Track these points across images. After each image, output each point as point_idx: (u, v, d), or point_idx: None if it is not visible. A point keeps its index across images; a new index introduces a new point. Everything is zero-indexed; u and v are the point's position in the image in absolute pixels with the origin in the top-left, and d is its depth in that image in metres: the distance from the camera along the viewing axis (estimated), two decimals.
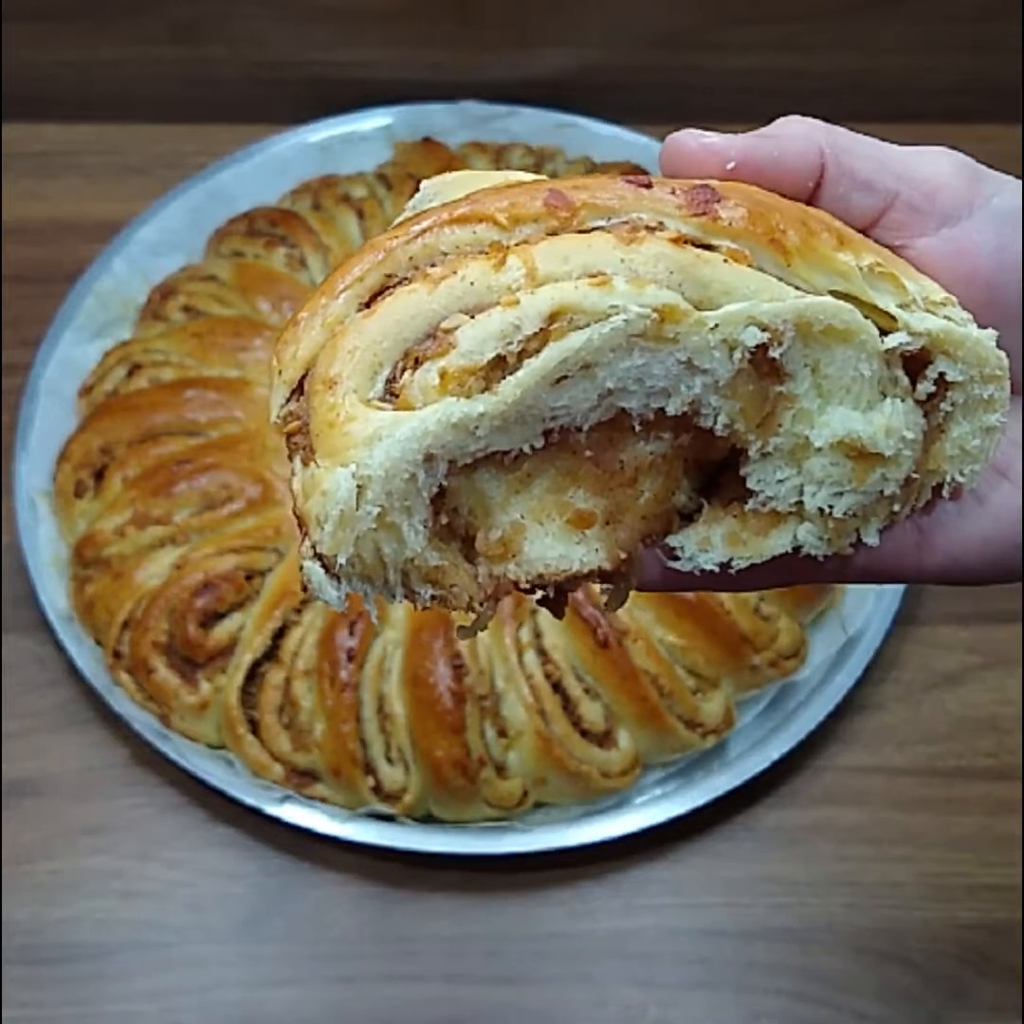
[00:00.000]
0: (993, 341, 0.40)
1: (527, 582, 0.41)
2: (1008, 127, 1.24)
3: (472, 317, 0.37)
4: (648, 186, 0.39)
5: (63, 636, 0.95)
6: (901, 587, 0.98)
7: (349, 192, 1.17)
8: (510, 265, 0.37)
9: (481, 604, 0.40)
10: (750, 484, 0.41)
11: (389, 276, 0.39)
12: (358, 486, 0.36)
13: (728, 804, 0.92)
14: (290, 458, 0.39)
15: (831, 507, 0.41)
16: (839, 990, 0.88)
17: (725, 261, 0.38)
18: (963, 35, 1.23)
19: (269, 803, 0.89)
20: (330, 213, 1.15)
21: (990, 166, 0.44)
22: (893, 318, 0.39)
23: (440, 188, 0.42)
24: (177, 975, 0.88)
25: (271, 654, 0.91)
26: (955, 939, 0.90)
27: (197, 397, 1.01)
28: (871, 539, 0.42)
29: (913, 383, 0.40)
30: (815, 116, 0.43)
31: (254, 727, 0.90)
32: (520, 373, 0.37)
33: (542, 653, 0.89)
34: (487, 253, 0.38)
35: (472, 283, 0.37)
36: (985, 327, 0.41)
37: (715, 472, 0.43)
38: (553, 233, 0.38)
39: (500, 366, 0.37)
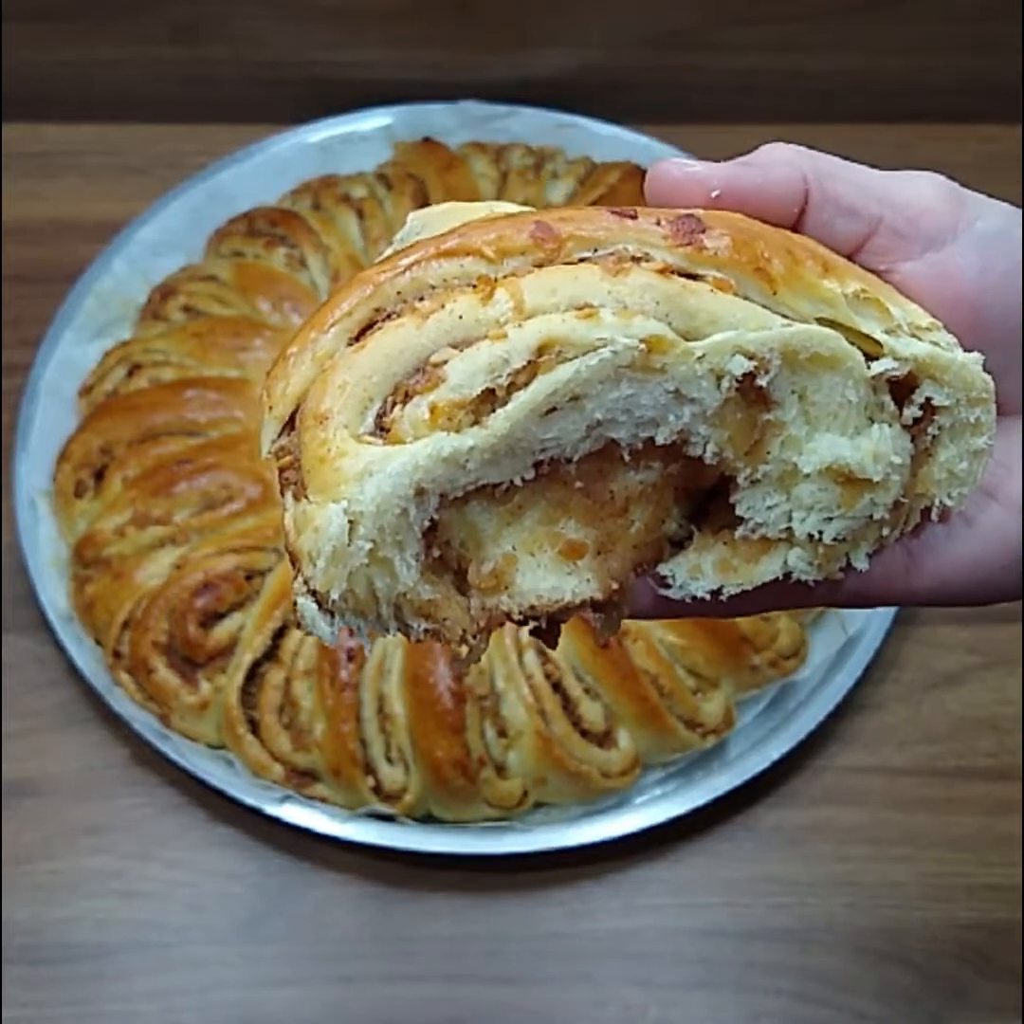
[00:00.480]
0: (979, 365, 0.40)
1: (520, 614, 0.41)
2: (1008, 127, 1.24)
3: (461, 351, 0.37)
4: (633, 216, 0.39)
5: (63, 636, 0.95)
6: None
7: (349, 192, 1.17)
8: (498, 298, 0.37)
9: (474, 637, 0.40)
10: (740, 511, 0.41)
11: (378, 310, 0.39)
12: (350, 522, 0.36)
13: (728, 804, 0.92)
14: (282, 493, 0.39)
15: (820, 533, 0.41)
16: (839, 990, 0.88)
17: (711, 291, 0.38)
18: (963, 35, 1.23)
19: (269, 803, 0.89)
20: (330, 213, 1.15)
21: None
22: (879, 344, 0.40)
23: (427, 220, 0.42)
24: (177, 975, 0.88)
25: (271, 654, 0.91)
26: (955, 939, 0.90)
27: (197, 397, 1.01)
28: (861, 564, 0.42)
29: (900, 408, 0.41)
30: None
31: (254, 727, 0.90)
32: (509, 406, 0.37)
33: (542, 653, 0.89)
34: (475, 286, 0.38)
35: (460, 317, 0.37)
36: (970, 350, 0.41)
37: (705, 499, 0.43)
38: (540, 265, 0.38)
39: (489, 399, 0.37)
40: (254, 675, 0.90)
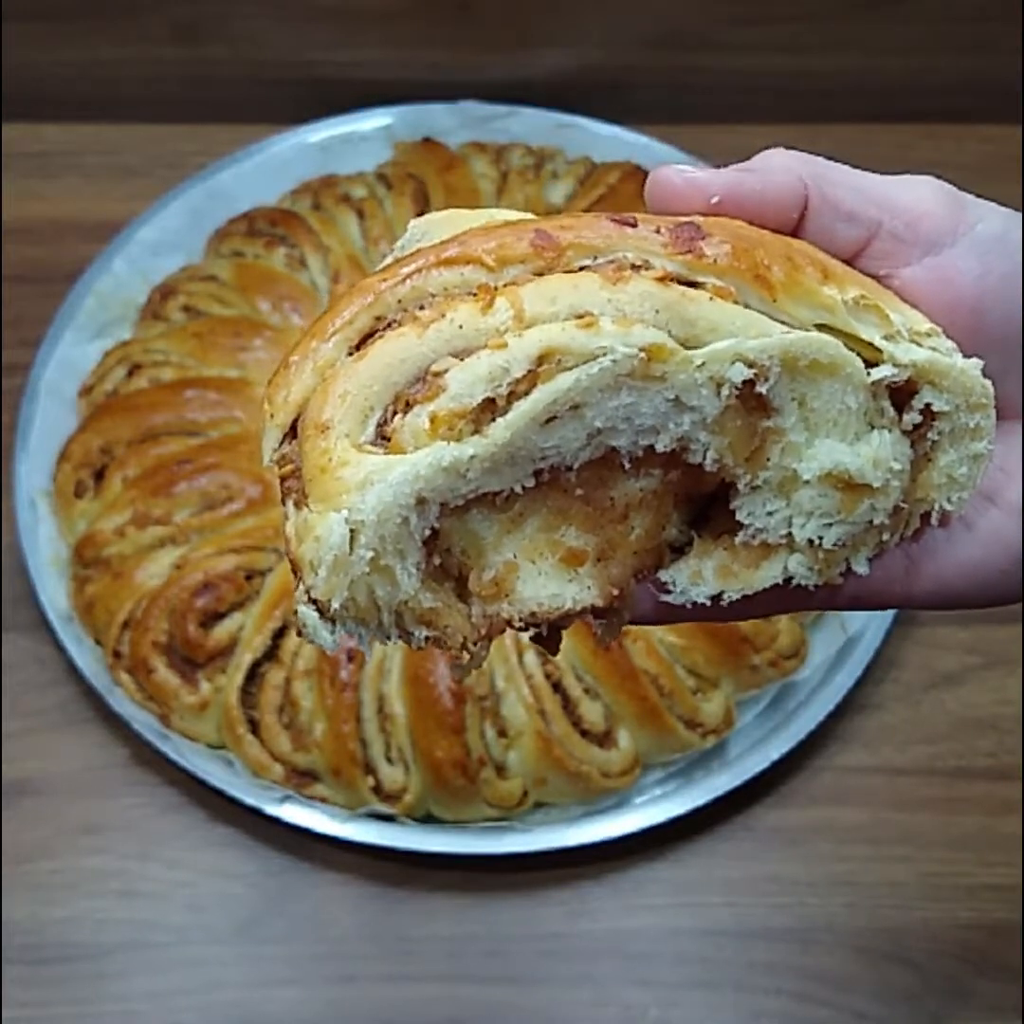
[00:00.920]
0: (978, 370, 0.40)
1: (521, 621, 0.41)
2: (1008, 127, 1.24)
3: (461, 360, 0.37)
4: (633, 224, 0.39)
5: (63, 636, 0.95)
6: None
7: (349, 192, 1.17)
8: (498, 307, 0.37)
9: (475, 644, 0.40)
10: (740, 517, 0.41)
11: (379, 319, 0.39)
12: (351, 531, 0.36)
13: (728, 804, 0.92)
14: (283, 502, 0.39)
15: (821, 538, 0.41)
16: (839, 990, 0.88)
17: (711, 298, 0.38)
18: (963, 35, 1.23)
19: (269, 803, 0.89)
20: (330, 213, 1.15)
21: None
22: (879, 350, 0.40)
23: (428, 227, 0.42)
24: (177, 975, 0.88)
25: (271, 654, 0.91)
26: (955, 939, 0.90)
27: (197, 397, 1.01)
28: (861, 568, 0.42)
29: (900, 413, 0.41)
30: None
31: (254, 727, 0.90)
32: (510, 415, 0.37)
33: (542, 653, 0.89)
34: (475, 295, 0.38)
35: (461, 326, 0.37)
36: (970, 355, 0.41)
37: (705, 505, 0.43)
38: (540, 273, 0.38)
39: (490, 408, 0.37)
40: (254, 675, 0.90)
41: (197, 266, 1.13)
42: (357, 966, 0.89)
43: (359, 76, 1.26)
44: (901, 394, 0.40)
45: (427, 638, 0.40)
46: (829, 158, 0.43)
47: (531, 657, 0.89)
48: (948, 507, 0.42)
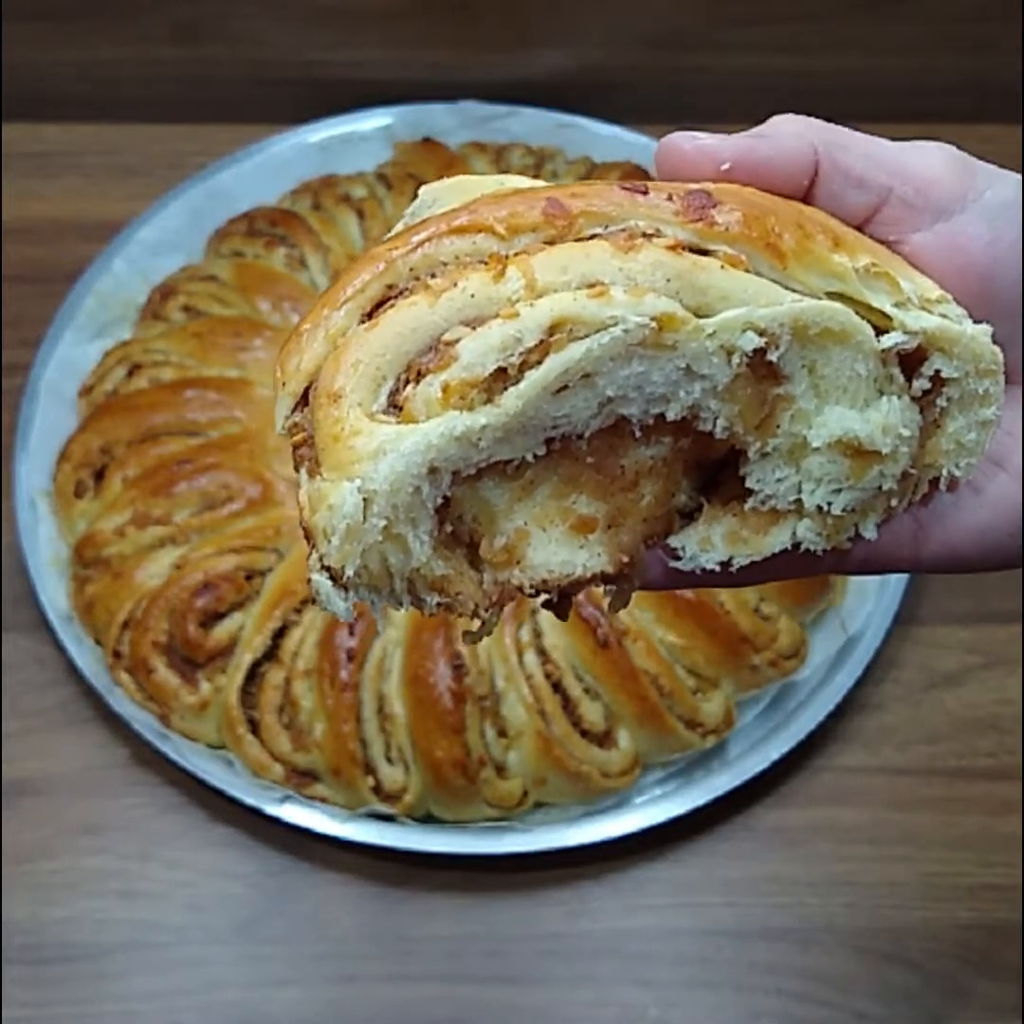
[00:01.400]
0: (988, 337, 0.41)
1: (531, 587, 0.41)
2: (1008, 127, 1.24)
3: (473, 329, 0.37)
4: (644, 192, 0.39)
5: (63, 636, 0.95)
6: (901, 587, 0.98)
7: (349, 192, 1.17)
8: (509, 276, 0.37)
9: (486, 610, 0.41)
10: (749, 484, 0.41)
11: (390, 287, 0.39)
12: (364, 499, 0.36)
13: (728, 804, 0.92)
14: (296, 469, 0.39)
15: (829, 504, 0.41)
16: (839, 990, 0.88)
17: (722, 267, 0.38)
18: (963, 35, 1.23)
19: (269, 803, 0.89)
20: (330, 213, 1.15)
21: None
22: (889, 317, 0.40)
23: (438, 194, 0.42)
24: (177, 975, 0.88)
25: (271, 654, 0.91)
26: (955, 939, 0.90)
27: (197, 397, 1.01)
28: (869, 533, 0.43)
29: (909, 380, 0.41)
30: (816, 116, 0.43)
31: (254, 727, 0.90)
32: (521, 385, 0.37)
33: (542, 653, 0.89)
34: (486, 264, 0.38)
35: (472, 295, 0.37)
36: (980, 321, 0.41)
37: (714, 471, 0.43)
38: (551, 242, 0.38)
39: (501, 378, 0.37)
40: (254, 675, 0.90)
41: (197, 266, 1.13)
42: (357, 966, 0.89)
43: (359, 76, 1.26)
44: (910, 361, 0.41)
45: (439, 604, 0.40)
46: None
47: (531, 657, 0.89)
48: (956, 472, 0.42)
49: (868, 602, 0.97)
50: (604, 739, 0.90)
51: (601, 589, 0.43)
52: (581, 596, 0.89)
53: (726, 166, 0.41)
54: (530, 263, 0.37)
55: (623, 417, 0.40)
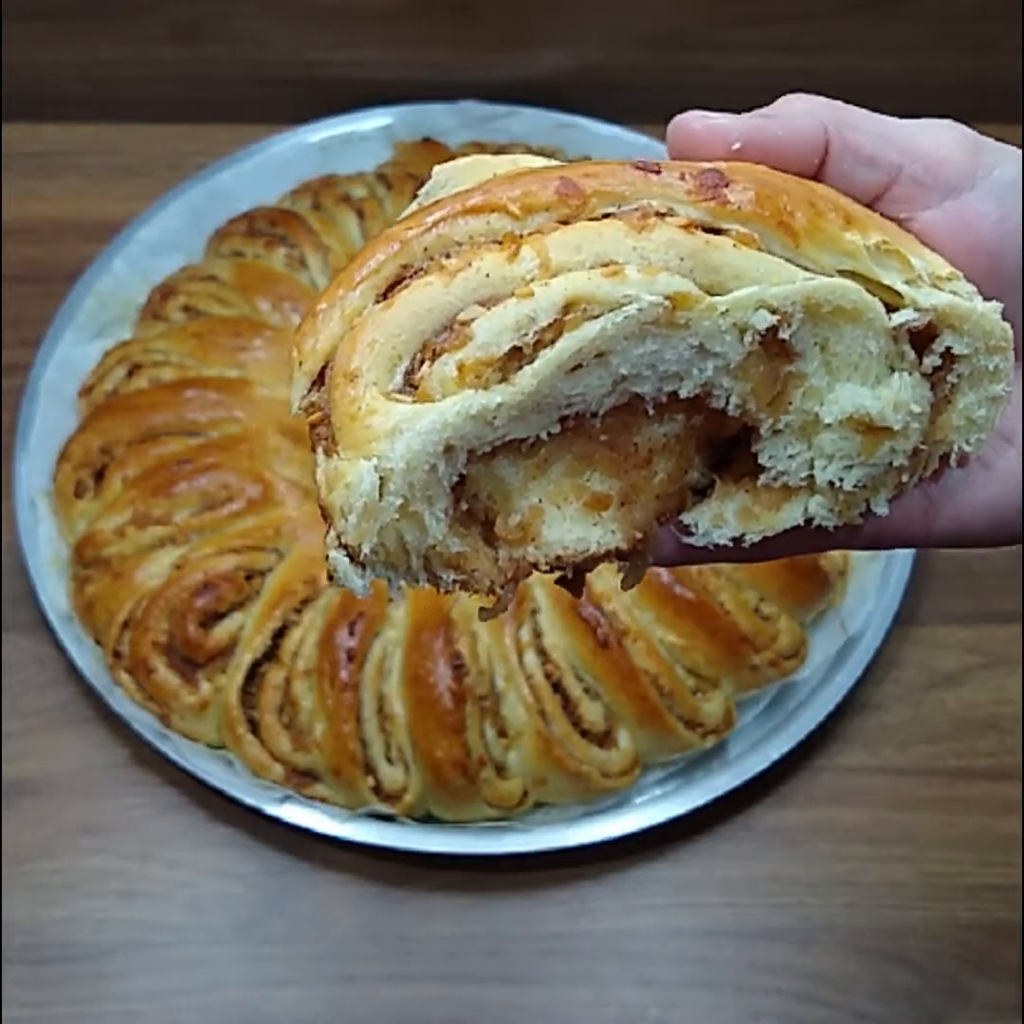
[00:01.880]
0: (998, 313, 0.41)
1: (546, 564, 0.42)
2: (1008, 127, 1.23)
3: (488, 309, 0.37)
4: (657, 171, 0.39)
5: (63, 636, 0.95)
6: (901, 587, 0.98)
7: (349, 192, 1.17)
8: (524, 256, 0.38)
9: (502, 587, 0.41)
10: (762, 460, 0.42)
11: (405, 267, 0.39)
12: (381, 478, 0.37)
13: (728, 804, 0.92)
14: (313, 449, 0.40)
15: (841, 480, 0.42)
16: (839, 990, 0.88)
17: (734, 246, 0.38)
18: (963, 35, 1.23)
19: (269, 803, 0.89)
20: (330, 213, 1.15)
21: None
22: (900, 294, 0.40)
23: (452, 174, 0.43)
24: (177, 975, 0.88)
25: (271, 654, 0.91)
26: (955, 939, 0.90)
27: (197, 397, 1.01)
28: (880, 509, 0.43)
29: (919, 357, 0.41)
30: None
31: (254, 727, 0.90)
32: (536, 364, 0.37)
33: (542, 653, 0.89)
34: (501, 243, 0.38)
35: (487, 275, 0.38)
36: (989, 298, 0.41)
37: (726, 448, 0.44)
38: (565, 222, 0.39)
39: (516, 357, 0.37)
40: (254, 675, 0.90)
41: (197, 266, 1.13)
42: (357, 966, 0.89)
43: (359, 76, 1.26)
44: (921, 337, 0.41)
45: (455, 581, 0.40)
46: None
47: (531, 657, 0.89)
48: (967, 448, 0.43)
49: (868, 602, 0.97)
50: (604, 739, 0.90)
51: (615, 566, 0.43)
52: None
53: (737, 145, 0.41)
54: (544, 243, 0.38)
55: (637, 395, 0.40)
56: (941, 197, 0.42)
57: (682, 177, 0.39)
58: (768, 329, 0.39)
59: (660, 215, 0.39)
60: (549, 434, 0.40)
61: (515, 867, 0.90)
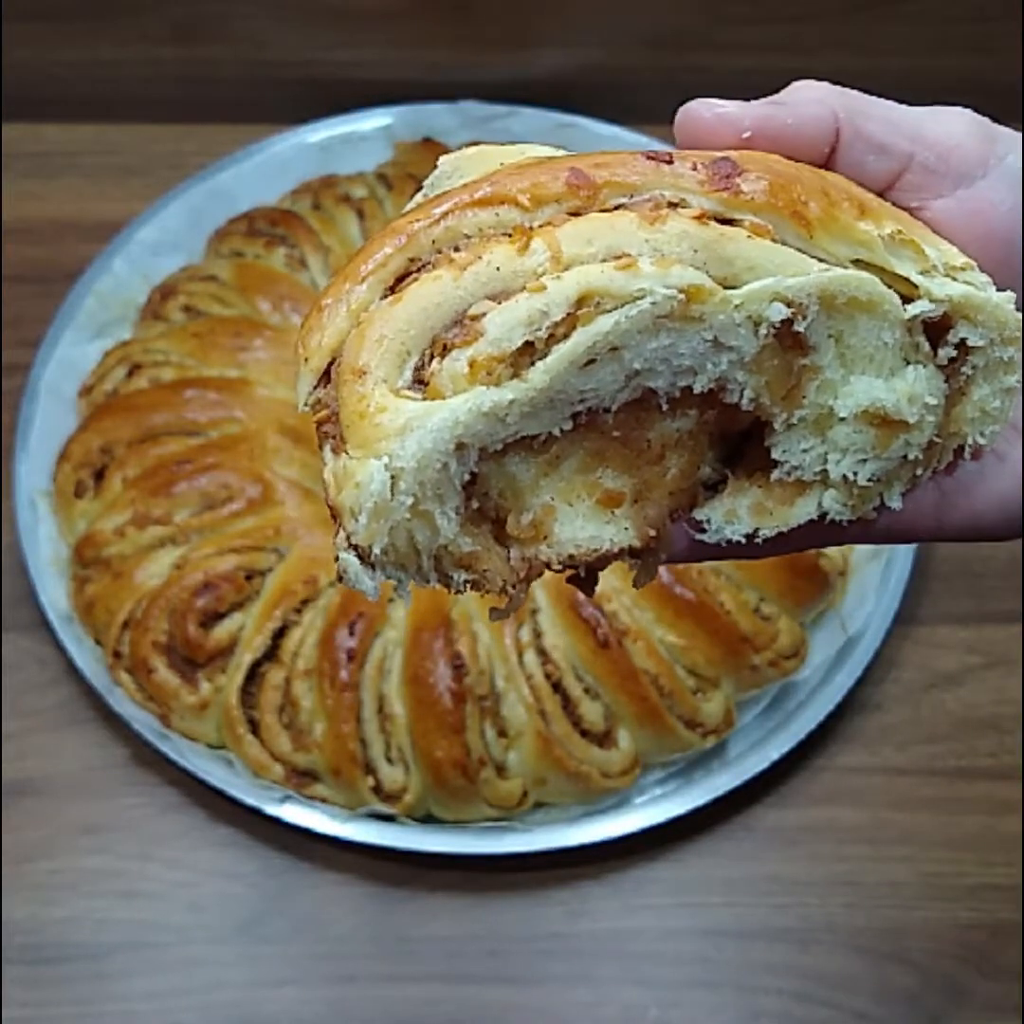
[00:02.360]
0: (1012, 303, 0.40)
1: (558, 563, 0.41)
2: (1008, 127, 1.24)
3: (499, 303, 0.37)
4: (669, 161, 0.39)
5: (63, 636, 0.95)
6: (901, 587, 0.98)
7: (349, 192, 1.17)
8: (534, 249, 0.37)
9: (514, 586, 0.40)
10: (775, 455, 0.41)
11: (412, 260, 0.39)
12: (391, 477, 0.36)
13: (728, 804, 0.92)
14: (320, 447, 0.39)
15: (855, 474, 0.41)
16: (839, 990, 0.88)
17: (748, 236, 0.38)
18: (963, 35, 1.22)
19: (269, 803, 0.89)
20: (330, 213, 1.15)
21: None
22: (914, 285, 0.40)
23: (458, 164, 0.42)
24: (177, 975, 0.88)
25: (271, 654, 0.91)
26: (955, 939, 0.90)
27: (197, 397, 1.01)
28: (894, 503, 0.43)
29: (934, 348, 0.41)
30: None
31: (254, 727, 0.90)
32: (549, 359, 0.37)
33: (542, 653, 0.89)
34: (511, 236, 0.38)
35: (498, 268, 0.37)
36: (1003, 288, 0.41)
37: (738, 442, 0.43)
38: (575, 213, 0.38)
39: (528, 352, 0.37)
40: (254, 675, 0.90)
41: (197, 266, 1.13)
42: (357, 966, 0.89)
43: (359, 76, 1.26)
44: (936, 329, 0.40)
45: (466, 581, 0.40)
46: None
47: (531, 657, 0.89)
48: (981, 441, 0.42)
49: (868, 602, 0.97)
50: (604, 739, 0.90)
51: (627, 563, 0.43)
52: (581, 596, 0.89)
53: (747, 134, 0.41)
54: (555, 235, 0.37)
55: (650, 390, 0.39)
56: (953, 185, 0.42)
57: (694, 167, 0.39)
58: (783, 322, 0.38)
59: (672, 206, 0.38)
60: (561, 430, 0.39)
61: (515, 867, 0.90)
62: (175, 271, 1.13)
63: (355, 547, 0.37)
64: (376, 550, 0.37)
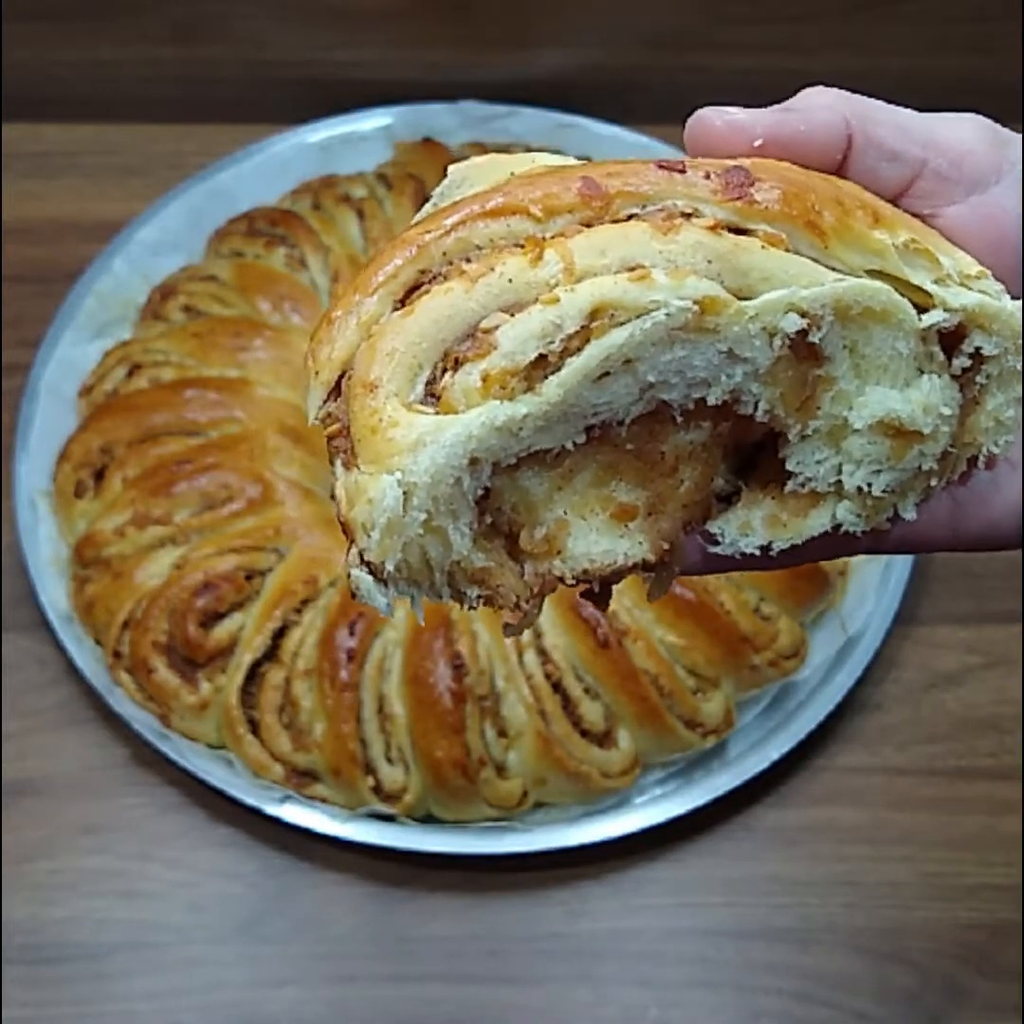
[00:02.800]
0: None
1: (572, 578, 0.41)
2: (1008, 127, 1.24)
3: (511, 315, 0.36)
4: (682, 170, 0.38)
5: (63, 636, 0.95)
6: (901, 587, 0.98)
7: (349, 192, 1.17)
8: (547, 260, 0.37)
9: (528, 602, 0.40)
10: (789, 466, 0.41)
11: (423, 272, 0.38)
12: (404, 493, 0.36)
13: (728, 804, 0.92)
14: (331, 461, 0.38)
15: (870, 485, 0.41)
16: (839, 990, 0.88)
17: (762, 247, 0.37)
18: (963, 35, 1.22)
19: (269, 803, 0.89)
20: (330, 213, 1.15)
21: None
22: (929, 294, 0.39)
23: (467, 173, 0.41)
24: (176, 975, 0.88)
25: (271, 654, 0.91)
26: (955, 939, 0.90)
27: (197, 397, 1.01)
28: (908, 514, 0.42)
29: (948, 358, 0.40)
30: None
31: (254, 727, 0.90)
32: (562, 373, 0.36)
33: (542, 653, 0.89)
34: (523, 247, 0.37)
35: (510, 280, 0.37)
36: (1017, 295, 0.40)
37: (751, 453, 0.43)
38: (588, 223, 0.38)
39: (541, 365, 0.36)
40: (254, 675, 0.90)
41: (197, 266, 1.13)
42: (357, 966, 0.89)
43: (359, 76, 1.26)
44: (950, 338, 0.40)
45: (479, 597, 0.40)
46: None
47: (531, 657, 0.89)
48: (995, 450, 0.42)
49: (868, 602, 0.97)
50: (604, 739, 0.90)
51: (641, 576, 0.43)
52: (580, 597, 0.89)
53: (759, 142, 0.40)
54: (568, 246, 0.37)
55: (663, 402, 0.39)
56: (966, 192, 0.42)
57: (707, 176, 0.38)
58: (797, 332, 0.38)
59: (685, 216, 0.38)
60: (574, 444, 0.39)
61: (515, 867, 0.90)
62: (175, 271, 1.13)
63: (368, 563, 0.37)
64: (389, 566, 0.37)
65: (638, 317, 0.36)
